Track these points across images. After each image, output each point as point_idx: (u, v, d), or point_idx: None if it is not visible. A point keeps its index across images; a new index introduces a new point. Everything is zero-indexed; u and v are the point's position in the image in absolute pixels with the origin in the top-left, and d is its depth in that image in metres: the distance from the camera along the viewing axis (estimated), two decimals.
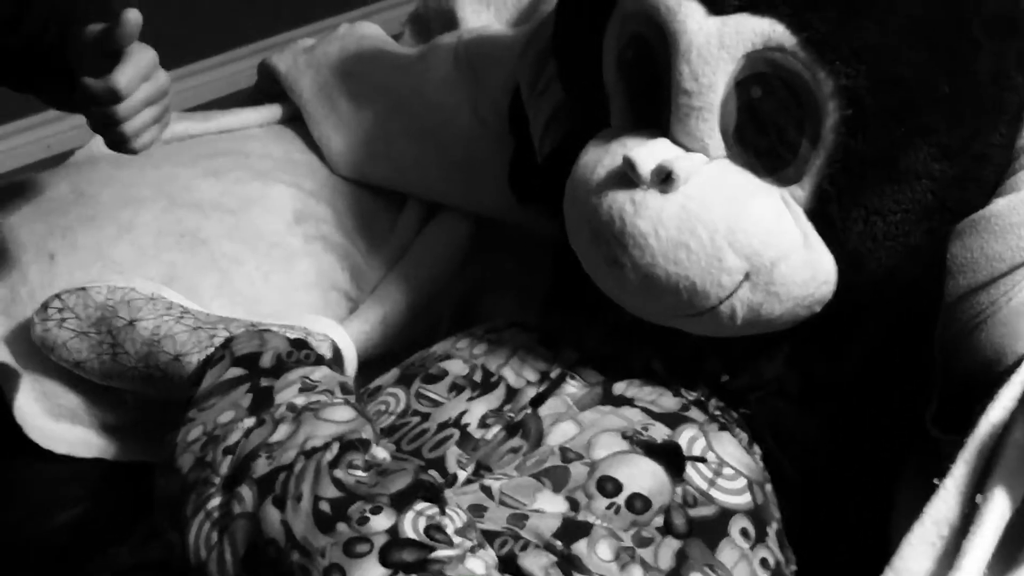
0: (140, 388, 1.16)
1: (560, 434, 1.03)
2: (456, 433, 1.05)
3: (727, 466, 1.02)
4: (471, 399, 1.07)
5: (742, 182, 0.99)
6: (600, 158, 1.02)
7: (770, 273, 0.98)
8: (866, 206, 0.98)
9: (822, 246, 0.99)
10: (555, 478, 0.99)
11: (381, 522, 0.88)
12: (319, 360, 1.07)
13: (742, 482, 1.01)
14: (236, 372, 1.05)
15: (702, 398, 1.07)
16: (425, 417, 1.07)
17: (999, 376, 0.97)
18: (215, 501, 0.95)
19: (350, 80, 1.46)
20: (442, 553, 0.86)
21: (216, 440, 0.99)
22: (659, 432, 1.02)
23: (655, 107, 1.01)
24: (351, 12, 2.38)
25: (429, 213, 1.42)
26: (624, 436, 1.01)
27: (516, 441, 1.03)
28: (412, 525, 0.88)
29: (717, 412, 1.06)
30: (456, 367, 1.11)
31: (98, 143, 1.36)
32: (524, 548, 0.92)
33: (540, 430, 1.04)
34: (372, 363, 1.24)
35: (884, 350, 1.07)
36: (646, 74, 1.02)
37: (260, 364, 1.05)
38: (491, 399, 1.07)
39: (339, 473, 0.91)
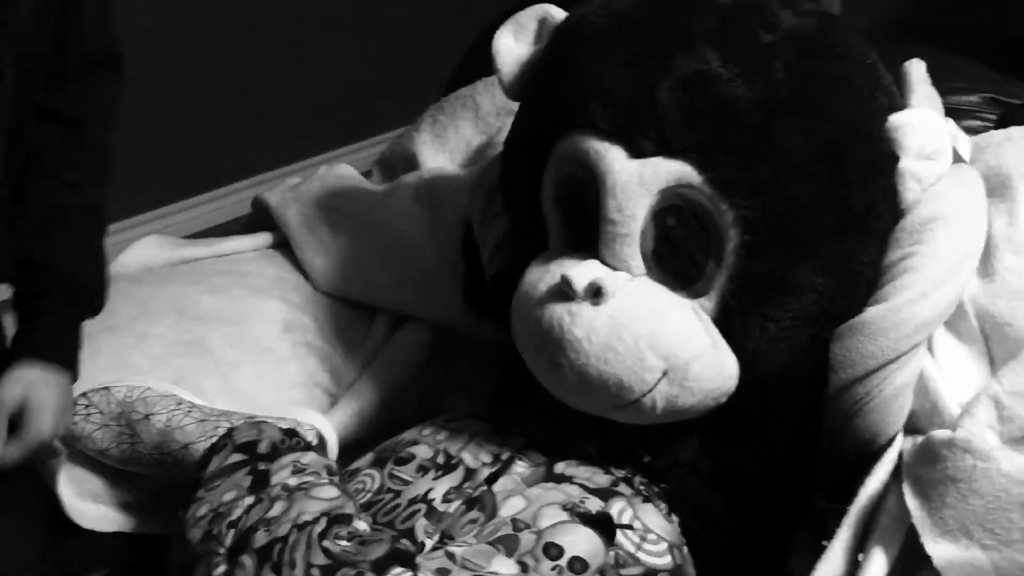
0: (154, 472, 1.14)
1: (511, 507, 1.01)
2: (423, 507, 1.03)
3: (651, 532, 1.01)
4: (436, 478, 1.06)
5: (660, 296, 0.98)
6: (541, 277, 1.01)
7: (684, 371, 0.98)
8: (762, 314, 0.98)
9: (727, 348, 0.99)
10: (507, 544, 0.98)
11: None
12: (307, 447, 1.07)
13: (663, 546, 1.00)
14: (237, 457, 1.04)
15: (629, 475, 1.05)
16: (397, 494, 1.06)
17: (875, 453, 1.00)
18: (220, 569, 0.95)
19: (329, 213, 1.45)
20: None
21: (221, 516, 0.98)
22: (594, 504, 1.01)
23: (586, 234, 1.00)
24: (329, 153, 2.37)
25: (396, 323, 1.40)
26: (565, 508, 1.00)
27: (474, 514, 1.02)
28: None
29: (641, 487, 1.04)
30: (422, 451, 1.09)
31: (120, 265, 1.39)
32: None
33: (494, 504, 1.03)
34: (350, 448, 1.23)
35: (779, 436, 1.07)
36: (578, 207, 1.01)
37: (258, 450, 1.05)
38: (453, 478, 1.06)
39: (327, 543, 0.91)
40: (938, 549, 0.95)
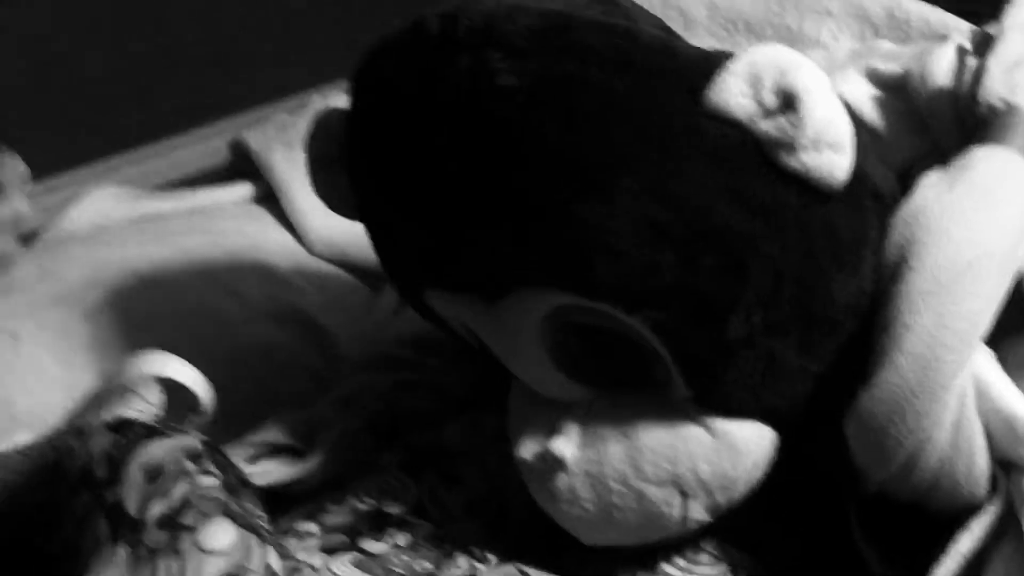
0: None
1: None
2: None
3: None
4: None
5: (624, 414, 0.89)
6: (516, 437, 0.96)
7: (699, 480, 0.88)
8: (734, 380, 0.88)
9: (730, 424, 0.89)
10: None
11: None
12: (150, 432, 0.91)
13: None
14: (84, 499, 0.90)
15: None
16: None
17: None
18: None
19: None
20: None
21: None
22: None
23: None
24: (325, 85, 2.10)
25: None
26: None
27: None
28: None
29: None
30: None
31: (68, 222, 1.36)
32: None
33: None
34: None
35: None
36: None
37: (96, 476, 0.90)
38: None
39: None
40: None
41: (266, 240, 1.32)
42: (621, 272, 0.81)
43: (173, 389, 0.98)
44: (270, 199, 1.37)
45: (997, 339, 0.85)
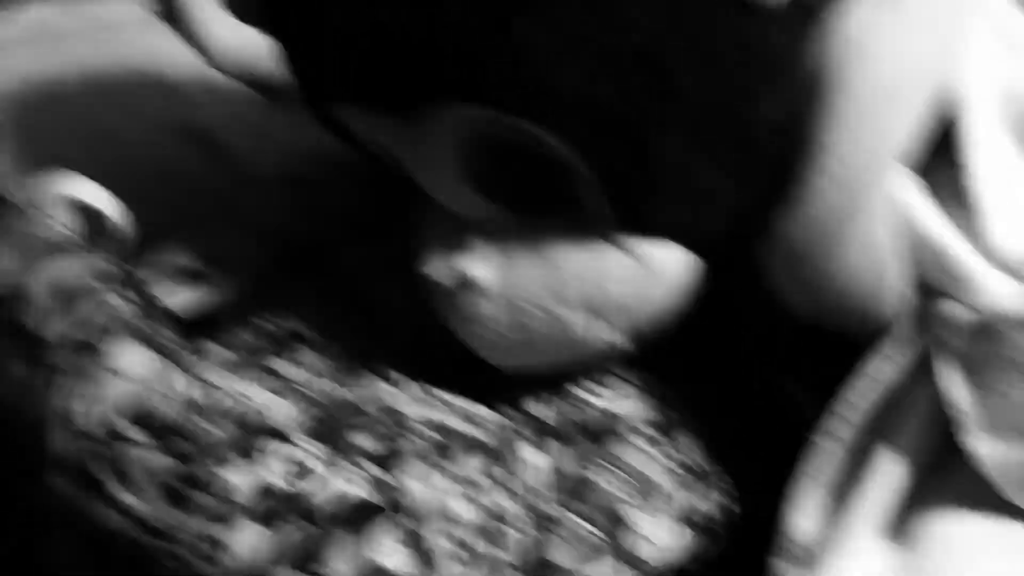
0: None
1: None
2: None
3: None
4: None
5: (542, 235, 0.88)
6: (426, 257, 0.95)
7: (616, 303, 0.88)
8: (657, 202, 0.88)
9: (651, 247, 0.89)
10: None
11: None
12: (56, 249, 0.93)
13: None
14: None
15: None
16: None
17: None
18: None
19: None
20: None
21: None
22: None
23: None
24: None
25: None
26: None
27: None
28: None
29: None
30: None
31: None
32: None
33: None
34: None
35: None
36: None
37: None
38: None
39: None
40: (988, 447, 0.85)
41: (166, 53, 1.26)
42: (545, 87, 0.80)
43: (83, 213, 0.95)
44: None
45: (927, 170, 0.85)
